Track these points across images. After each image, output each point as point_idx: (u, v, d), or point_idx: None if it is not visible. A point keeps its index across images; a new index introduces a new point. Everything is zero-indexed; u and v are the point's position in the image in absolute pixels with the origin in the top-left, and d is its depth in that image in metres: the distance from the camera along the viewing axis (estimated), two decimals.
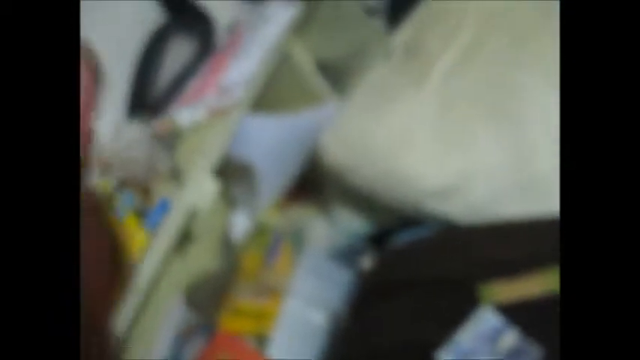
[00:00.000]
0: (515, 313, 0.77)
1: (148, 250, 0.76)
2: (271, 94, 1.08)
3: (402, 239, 0.97)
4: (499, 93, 0.96)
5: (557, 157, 0.90)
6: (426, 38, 1.09)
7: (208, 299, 1.01)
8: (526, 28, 1.04)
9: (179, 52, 1.11)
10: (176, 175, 0.86)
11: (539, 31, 1.03)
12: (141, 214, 0.78)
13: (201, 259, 1.07)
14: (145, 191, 0.83)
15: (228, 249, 1.09)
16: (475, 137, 0.95)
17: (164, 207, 0.80)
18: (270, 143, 1.02)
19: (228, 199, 1.07)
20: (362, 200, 1.03)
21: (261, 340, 0.95)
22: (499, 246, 0.85)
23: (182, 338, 0.99)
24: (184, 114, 0.96)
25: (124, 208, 0.77)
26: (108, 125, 0.96)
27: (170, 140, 0.92)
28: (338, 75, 1.26)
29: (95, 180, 0.90)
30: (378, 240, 1.04)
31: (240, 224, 1.06)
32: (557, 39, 1.04)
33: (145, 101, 1.02)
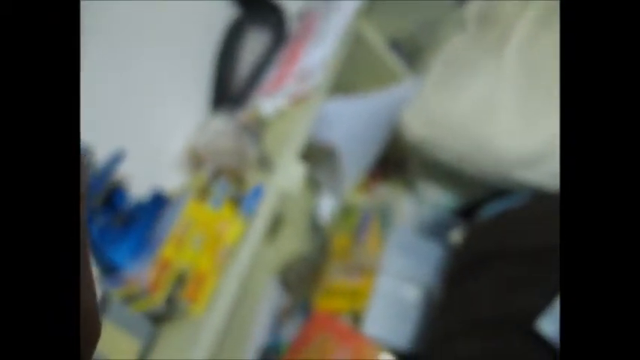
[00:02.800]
0: None
1: (246, 234, 0.79)
2: (348, 77, 1.09)
3: (491, 210, 0.97)
4: None
5: None
6: (499, 5, 1.07)
7: (302, 280, 1.04)
8: None
9: (255, 43, 1.14)
10: (265, 162, 0.89)
11: None
12: (236, 201, 0.81)
13: (293, 242, 1.10)
14: (239, 180, 0.86)
15: (318, 230, 1.11)
16: (556, 101, 0.93)
17: (258, 193, 0.83)
18: (352, 124, 1.03)
19: (314, 182, 1.10)
20: (447, 174, 1.03)
21: (357, 317, 0.97)
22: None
23: (280, 319, 1.02)
24: (267, 103, 0.99)
25: (220, 197, 0.80)
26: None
27: (256, 129, 0.95)
28: (411, 51, 1.26)
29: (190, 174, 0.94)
30: (466, 213, 1.04)
31: (328, 206, 1.09)
32: None
33: (228, 94, 1.05)
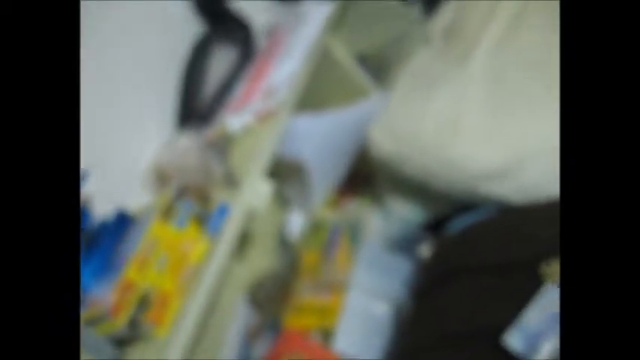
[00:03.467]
0: None
1: (212, 253, 0.78)
2: (315, 92, 1.09)
3: (459, 224, 0.97)
4: (550, 59, 0.92)
5: None
6: (466, 17, 1.08)
7: (271, 298, 1.03)
8: None
9: (222, 60, 1.13)
10: (231, 180, 0.88)
11: None
12: (201, 220, 0.80)
13: (261, 259, 1.09)
14: (204, 198, 0.85)
15: (286, 247, 1.10)
16: (528, 108, 0.92)
17: (223, 211, 0.82)
18: (319, 140, 1.03)
19: (282, 199, 1.09)
20: (415, 189, 1.03)
21: (327, 334, 0.96)
22: (556, 224, 0.84)
23: (250, 338, 1.01)
24: (234, 120, 0.98)
25: (184, 216, 0.79)
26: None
27: (222, 146, 0.94)
28: (379, 66, 1.26)
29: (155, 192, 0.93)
30: (434, 227, 1.04)
31: (297, 222, 1.08)
32: None
33: (194, 110, 1.05)
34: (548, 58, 0.92)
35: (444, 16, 1.15)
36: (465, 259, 0.89)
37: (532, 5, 1.02)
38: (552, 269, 0.79)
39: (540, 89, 0.92)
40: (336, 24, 1.20)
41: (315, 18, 1.18)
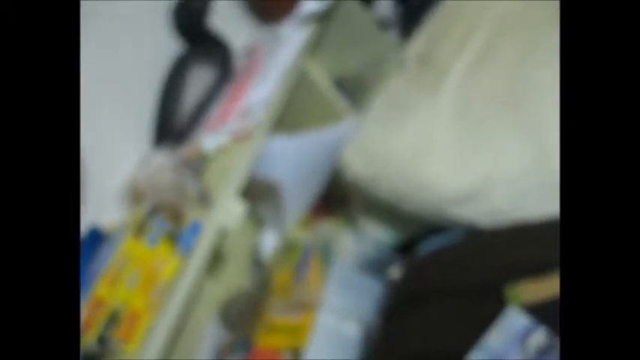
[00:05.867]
0: (542, 311, 0.78)
1: (183, 271, 0.79)
2: (291, 114, 1.11)
3: (428, 247, 0.99)
4: (515, 92, 0.97)
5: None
6: (438, 47, 1.11)
7: (242, 317, 1.04)
8: (539, 28, 1.05)
9: (200, 79, 1.15)
10: (205, 199, 0.89)
11: (552, 29, 1.04)
12: (173, 238, 0.81)
13: (233, 278, 1.09)
14: (176, 216, 0.85)
15: (259, 266, 1.11)
16: (493, 139, 0.96)
17: (195, 230, 0.83)
18: (294, 161, 1.04)
19: (256, 218, 1.10)
20: (386, 211, 1.05)
21: (297, 353, 0.97)
22: (522, 247, 0.86)
23: (220, 356, 1.02)
24: (209, 139, 1.00)
25: (156, 233, 0.80)
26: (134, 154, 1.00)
27: (197, 165, 0.95)
28: (355, 89, 1.29)
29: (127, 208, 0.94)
30: (405, 249, 1.06)
31: (269, 242, 1.09)
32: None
33: (170, 129, 1.06)
34: (513, 91, 0.96)
35: (418, 42, 1.18)
36: (432, 282, 0.91)
37: (500, 39, 1.05)
38: (516, 292, 0.81)
39: (505, 120, 0.96)
40: (314, 47, 1.22)
41: (293, 40, 1.20)
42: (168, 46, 1.15)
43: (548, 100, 0.95)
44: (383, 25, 1.35)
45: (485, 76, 1.02)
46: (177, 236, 0.82)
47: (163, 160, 0.94)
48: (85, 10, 0.99)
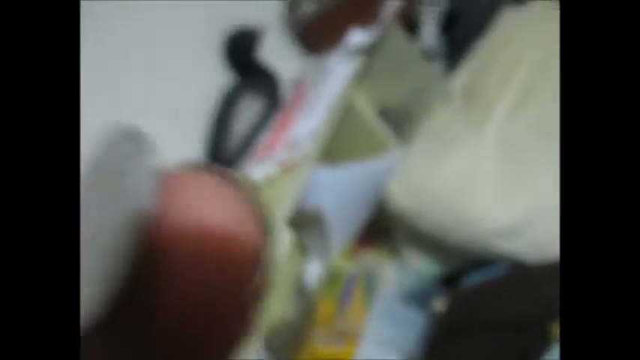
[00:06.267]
0: None
1: None
2: (337, 145, 1.13)
3: (473, 280, 0.99)
4: (553, 134, 0.98)
5: None
6: (482, 83, 1.12)
7: (286, 346, 1.05)
8: None
9: (249, 110, 1.18)
10: None
11: None
12: None
13: (278, 307, 1.11)
14: None
15: (303, 296, 1.13)
16: (537, 173, 0.97)
17: None
18: (339, 192, 1.06)
19: (302, 248, 1.12)
20: (431, 243, 1.05)
21: None
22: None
23: None
24: (257, 169, 1.02)
25: None
26: None
27: None
28: (400, 121, 1.30)
29: None
30: (449, 282, 1.06)
31: (314, 271, 1.11)
32: None
33: (220, 159, 1.09)
34: (555, 126, 0.97)
35: (463, 74, 1.19)
36: (476, 315, 0.91)
37: (543, 74, 1.06)
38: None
39: (547, 155, 0.96)
40: (360, 78, 1.24)
41: (340, 72, 1.22)
42: (219, 78, 1.19)
43: None
44: (428, 55, 1.36)
45: (529, 110, 1.03)
46: None
47: None
48: (132, 37, 1.03)
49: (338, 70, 1.23)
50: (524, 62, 1.10)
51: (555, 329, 0.80)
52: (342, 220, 1.07)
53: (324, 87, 1.20)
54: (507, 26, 1.20)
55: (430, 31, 1.38)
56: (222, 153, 1.11)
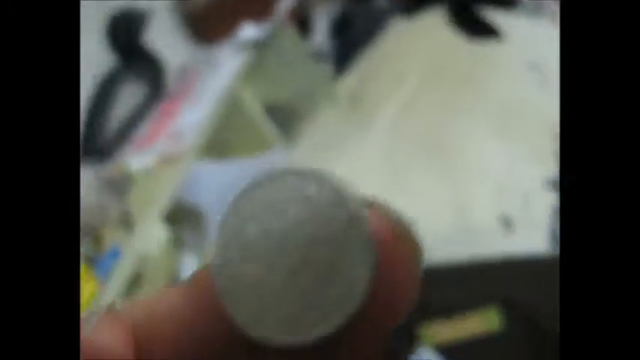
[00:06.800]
0: (456, 352, 0.81)
1: (100, 296, 0.77)
2: (221, 140, 1.10)
3: None
4: (440, 144, 1.01)
5: (494, 207, 0.96)
6: (370, 89, 1.14)
7: None
8: (467, 76, 1.10)
9: (129, 96, 1.13)
10: (127, 221, 0.87)
11: (479, 78, 1.09)
12: (92, 261, 0.79)
13: None
14: (97, 238, 0.84)
15: None
16: (417, 184, 1.00)
17: (115, 255, 0.81)
18: (219, 188, 1.04)
19: (178, 243, 1.09)
20: None
21: None
22: (438, 288, 0.89)
23: None
24: (135, 159, 0.98)
25: None
26: None
27: (121, 185, 0.93)
28: (286, 119, 1.30)
29: None
30: None
31: (191, 266, 1.08)
32: (498, 84, 1.10)
33: (96, 146, 1.03)
34: (438, 139, 1.00)
35: (351, 79, 1.21)
36: None
37: (430, 86, 1.09)
38: (429, 331, 0.83)
39: (428, 167, 1.00)
40: (250, 73, 1.23)
41: (229, 65, 1.20)
42: (98, 58, 1.13)
43: (471, 150, 1.00)
44: (318, 56, 1.37)
45: (413, 121, 1.06)
46: (96, 260, 0.80)
47: (86, 177, 0.92)
48: None
49: (227, 63, 1.21)
50: (412, 73, 1.13)
51: (425, 332, 0.82)
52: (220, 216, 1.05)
53: (211, 79, 1.17)
54: (398, 36, 1.23)
55: (322, 33, 1.39)
56: (98, 140, 1.06)
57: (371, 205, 0.15)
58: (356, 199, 0.15)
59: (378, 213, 0.16)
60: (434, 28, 1.19)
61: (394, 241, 0.16)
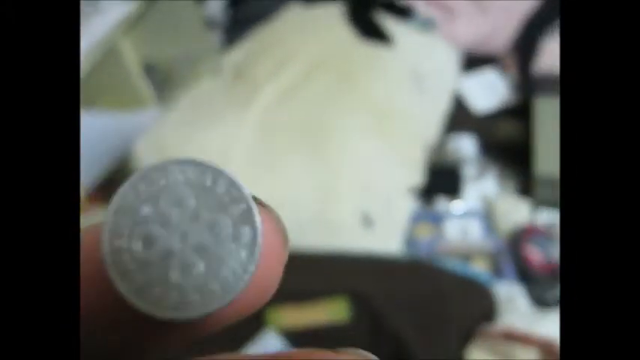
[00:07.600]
0: (300, 338, 0.82)
1: None
2: (93, 89, 1.04)
3: None
4: (315, 133, 1.02)
5: (357, 204, 0.98)
6: (255, 66, 1.13)
7: None
8: (352, 74, 1.11)
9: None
10: None
11: (364, 78, 1.11)
12: None
13: None
14: None
15: None
16: (286, 168, 0.99)
17: None
18: (83, 139, 0.98)
19: None
20: None
21: None
22: (290, 273, 0.89)
23: None
24: None
25: None
26: None
27: None
28: (164, 81, 1.25)
29: None
30: None
31: None
32: (380, 88, 1.12)
33: None
34: (313, 128, 1.01)
35: (238, 53, 1.19)
36: None
37: (314, 75, 1.10)
38: (276, 315, 0.83)
39: (300, 153, 1.00)
40: (133, 26, 1.16)
41: (112, 13, 1.13)
42: None
43: (343, 146, 1.01)
44: (209, 24, 1.33)
45: (293, 108, 1.05)
46: None
47: None
48: None
49: (112, 10, 1.14)
50: (299, 59, 1.12)
51: (271, 315, 0.82)
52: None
53: (90, 24, 1.10)
54: (291, 21, 1.22)
55: (217, 2, 1.35)
56: None
57: (256, 198, 0.16)
58: (248, 192, 0.16)
59: (261, 205, 0.17)
60: (329, 20, 1.19)
61: (275, 232, 0.17)
